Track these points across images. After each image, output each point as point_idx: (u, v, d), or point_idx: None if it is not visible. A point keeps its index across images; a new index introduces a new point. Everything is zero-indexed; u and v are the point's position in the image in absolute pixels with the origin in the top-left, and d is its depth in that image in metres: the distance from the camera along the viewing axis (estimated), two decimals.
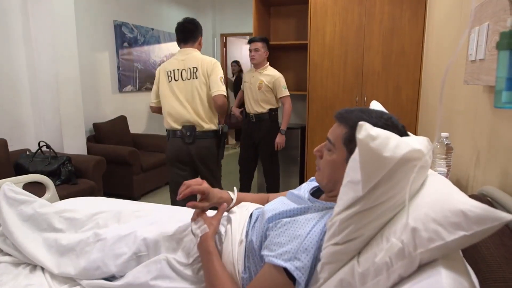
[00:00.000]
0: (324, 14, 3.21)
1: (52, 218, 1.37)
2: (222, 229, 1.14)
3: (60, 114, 3.26)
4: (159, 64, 5.12)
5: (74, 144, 3.42)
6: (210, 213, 1.20)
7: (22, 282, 1.19)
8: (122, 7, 4.44)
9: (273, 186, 3.41)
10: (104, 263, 1.16)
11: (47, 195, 1.93)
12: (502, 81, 0.60)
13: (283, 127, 3.17)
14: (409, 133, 0.95)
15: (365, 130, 0.71)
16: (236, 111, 3.54)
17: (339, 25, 3.19)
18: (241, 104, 3.48)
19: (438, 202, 0.69)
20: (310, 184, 1.16)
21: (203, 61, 2.29)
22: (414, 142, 0.77)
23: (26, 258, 1.28)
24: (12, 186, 1.45)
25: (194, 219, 1.14)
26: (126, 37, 4.50)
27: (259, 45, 3.10)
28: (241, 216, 1.16)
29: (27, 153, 2.98)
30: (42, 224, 1.36)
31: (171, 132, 2.37)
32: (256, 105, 3.18)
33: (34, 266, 1.29)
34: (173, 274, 1.11)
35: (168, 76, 2.32)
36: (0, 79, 3.00)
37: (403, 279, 0.68)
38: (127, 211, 1.42)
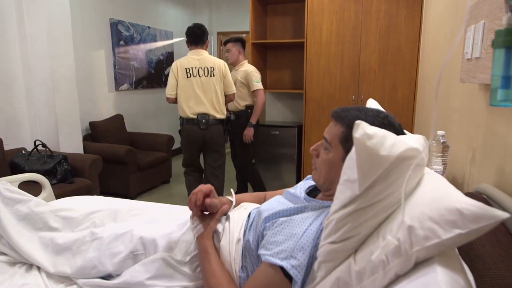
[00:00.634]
0: (321, 12, 3.21)
1: (48, 217, 1.36)
2: (220, 227, 1.14)
3: (55, 113, 3.24)
4: (156, 63, 5.16)
5: (70, 142, 3.40)
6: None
7: (18, 282, 1.18)
8: (118, 5, 4.41)
9: (254, 185, 3.43)
10: (100, 262, 1.16)
11: (43, 194, 1.92)
12: (498, 79, 0.60)
13: (252, 120, 3.17)
14: (405, 131, 0.95)
15: (362, 129, 0.71)
16: None
17: (335, 23, 3.19)
18: None
19: (434, 201, 0.69)
20: (306, 183, 1.16)
21: (217, 62, 2.80)
22: (411, 141, 0.77)
23: (22, 257, 1.27)
24: (8, 185, 1.44)
25: (192, 218, 1.14)
26: (122, 35, 4.48)
27: (229, 45, 3.23)
28: (240, 215, 1.16)
29: (23, 152, 2.97)
30: (38, 223, 1.36)
31: (187, 120, 2.81)
32: (234, 102, 3.22)
33: (30, 265, 1.28)
34: (170, 273, 1.11)
35: (187, 72, 2.74)
36: None
37: (399, 277, 0.69)
38: (123, 210, 1.41)
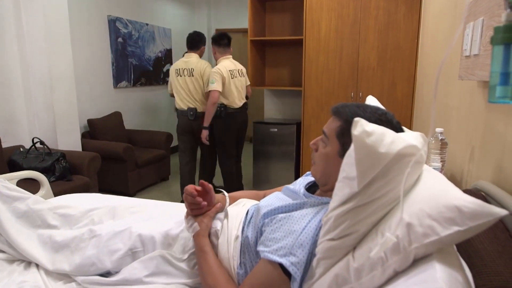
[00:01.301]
0: (320, 8, 3.20)
1: (46, 214, 1.36)
2: (218, 224, 1.14)
3: (54, 110, 3.23)
4: (154, 60, 5.16)
5: (69, 140, 3.39)
6: None
7: (16, 279, 1.18)
8: (116, 2, 4.40)
9: (226, 183, 3.43)
10: (99, 259, 1.16)
11: (41, 191, 1.92)
12: (496, 76, 0.60)
13: (204, 123, 3.14)
14: (404, 128, 0.95)
15: (361, 126, 0.71)
16: None
17: (334, 20, 3.18)
18: None
19: (433, 198, 0.69)
20: (306, 179, 1.17)
21: (198, 64, 3.23)
22: (409, 138, 0.77)
23: (21, 255, 1.27)
24: (6, 182, 1.44)
25: (186, 217, 1.14)
26: (120, 32, 4.47)
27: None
28: (238, 212, 1.16)
29: (21, 149, 2.96)
30: (36, 220, 1.35)
31: (179, 111, 3.30)
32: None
33: (28, 262, 1.28)
34: (169, 270, 1.11)
35: (176, 72, 3.25)
36: None
37: (398, 274, 0.69)
38: (122, 207, 1.41)
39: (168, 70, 5.52)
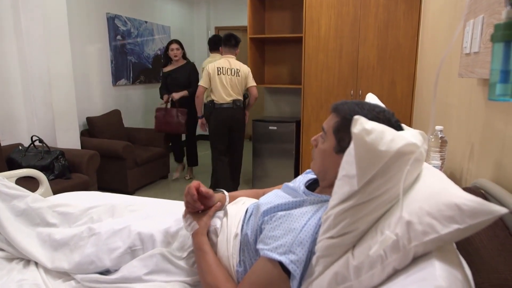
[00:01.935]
0: (319, 6, 3.20)
1: (45, 212, 1.36)
2: (218, 222, 1.14)
3: (52, 108, 3.22)
4: (153, 58, 5.15)
5: (68, 138, 3.39)
6: None
7: (15, 277, 1.18)
8: None
9: (212, 178, 3.57)
10: (98, 258, 1.15)
11: (40, 190, 1.91)
12: (496, 74, 0.60)
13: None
14: (404, 126, 0.95)
15: (360, 124, 0.70)
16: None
17: (334, 18, 3.18)
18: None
19: (433, 196, 0.69)
20: (306, 176, 1.17)
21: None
22: (409, 136, 0.77)
23: (20, 253, 1.27)
24: (5, 181, 1.44)
25: (184, 216, 1.14)
26: (119, 30, 4.45)
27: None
28: (238, 210, 1.16)
29: (20, 147, 2.95)
30: (35, 218, 1.35)
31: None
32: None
33: (27, 261, 1.28)
34: (168, 268, 1.11)
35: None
36: None
37: (397, 272, 0.69)
38: (121, 205, 1.41)
39: None
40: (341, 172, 0.80)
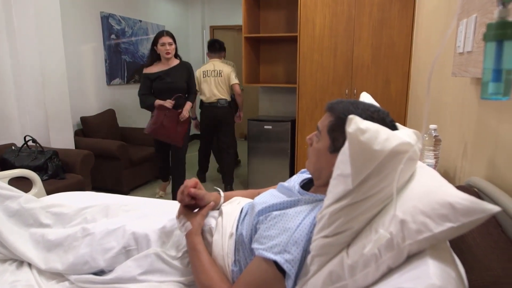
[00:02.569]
0: (314, 5, 3.20)
1: (38, 213, 1.35)
2: (213, 222, 1.14)
3: (46, 108, 3.19)
4: (147, 57, 5.09)
5: (61, 138, 3.36)
6: None
7: (8, 279, 1.17)
8: None
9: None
10: (92, 258, 1.15)
11: (33, 190, 1.90)
12: (489, 73, 0.60)
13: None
14: (399, 125, 0.96)
15: (355, 123, 0.71)
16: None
17: (328, 17, 3.18)
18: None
19: (427, 194, 0.69)
20: (301, 176, 1.17)
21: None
22: (404, 135, 0.77)
23: (13, 254, 1.26)
24: None
25: (178, 217, 1.13)
26: (113, 29, 4.43)
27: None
28: (233, 209, 1.16)
29: (13, 147, 2.92)
30: (28, 219, 1.34)
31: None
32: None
33: (21, 262, 1.27)
34: (163, 268, 1.10)
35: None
36: None
37: (391, 270, 0.69)
38: (115, 206, 1.40)
39: None
40: (336, 171, 0.81)
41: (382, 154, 0.71)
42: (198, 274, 1.02)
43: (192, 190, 1.12)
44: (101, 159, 3.40)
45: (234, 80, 3.71)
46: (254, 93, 5.21)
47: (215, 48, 3.79)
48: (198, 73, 3.74)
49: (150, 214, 1.30)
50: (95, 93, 4.25)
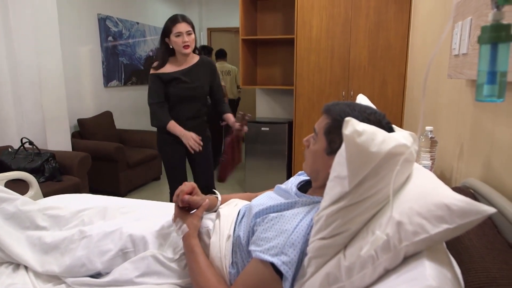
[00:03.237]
0: (311, 8, 3.21)
1: (35, 216, 1.34)
2: (210, 224, 1.14)
3: (43, 110, 3.18)
4: (145, 59, 5.11)
5: (58, 140, 3.35)
6: None
7: (5, 282, 1.16)
8: (106, 0, 4.35)
9: None
10: (89, 260, 1.14)
11: (30, 192, 1.89)
12: (483, 75, 0.61)
13: None
14: (395, 127, 0.96)
15: (352, 125, 0.71)
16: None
17: (325, 19, 3.19)
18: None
19: (423, 196, 0.69)
20: (298, 178, 1.17)
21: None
22: (400, 137, 0.77)
23: (9, 257, 1.25)
24: None
25: (174, 220, 1.13)
26: (110, 31, 4.42)
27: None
28: (230, 212, 1.16)
29: (9, 150, 2.91)
30: (25, 222, 1.33)
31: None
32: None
33: (17, 265, 1.26)
34: (160, 270, 1.10)
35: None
36: None
37: (388, 272, 0.69)
38: (112, 208, 1.40)
39: None
40: (333, 173, 0.81)
41: (379, 156, 0.72)
42: (195, 277, 1.02)
43: (187, 197, 1.12)
44: (98, 161, 3.39)
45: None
46: (251, 95, 5.21)
47: (222, 54, 4.82)
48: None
49: (147, 216, 1.30)
50: (92, 95, 4.24)
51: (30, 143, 2.89)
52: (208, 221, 1.15)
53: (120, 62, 4.64)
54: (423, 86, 0.67)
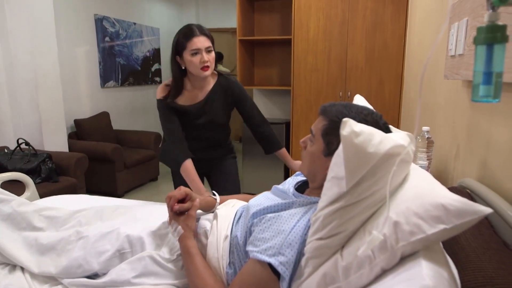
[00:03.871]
0: (308, 9, 3.22)
1: (31, 216, 1.34)
2: (208, 224, 1.14)
3: (39, 110, 3.17)
4: (142, 60, 5.10)
5: (55, 141, 3.34)
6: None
7: (1, 283, 1.16)
8: (103, 0, 4.34)
9: None
10: (86, 261, 1.14)
11: (26, 193, 1.88)
12: (479, 75, 0.61)
13: None
14: (392, 128, 0.96)
15: (349, 126, 0.71)
16: None
17: (323, 20, 3.20)
18: None
19: (420, 196, 0.70)
20: (295, 178, 1.17)
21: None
22: (397, 138, 0.78)
23: (5, 258, 1.25)
24: None
25: (169, 223, 1.13)
26: (107, 32, 4.41)
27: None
28: (228, 212, 1.16)
29: (5, 150, 2.90)
30: (21, 223, 1.33)
31: None
32: None
33: (13, 266, 1.25)
34: (158, 271, 1.10)
35: None
36: None
37: (385, 271, 0.70)
38: (109, 208, 1.39)
39: (156, 70, 5.48)
40: (330, 174, 0.81)
41: (376, 156, 0.72)
42: (192, 278, 1.02)
43: (177, 207, 1.10)
44: (95, 162, 3.38)
45: None
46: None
47: (219, 57, 4.60)
48: None
49: (144, 217, 1.30)
50: (89, 96, 4.23)
51: (27, 143, 2.88)
52: (206, 221, 1.15)
53: (117, 62, 4.63)
54: (419, 87, 0.67)
